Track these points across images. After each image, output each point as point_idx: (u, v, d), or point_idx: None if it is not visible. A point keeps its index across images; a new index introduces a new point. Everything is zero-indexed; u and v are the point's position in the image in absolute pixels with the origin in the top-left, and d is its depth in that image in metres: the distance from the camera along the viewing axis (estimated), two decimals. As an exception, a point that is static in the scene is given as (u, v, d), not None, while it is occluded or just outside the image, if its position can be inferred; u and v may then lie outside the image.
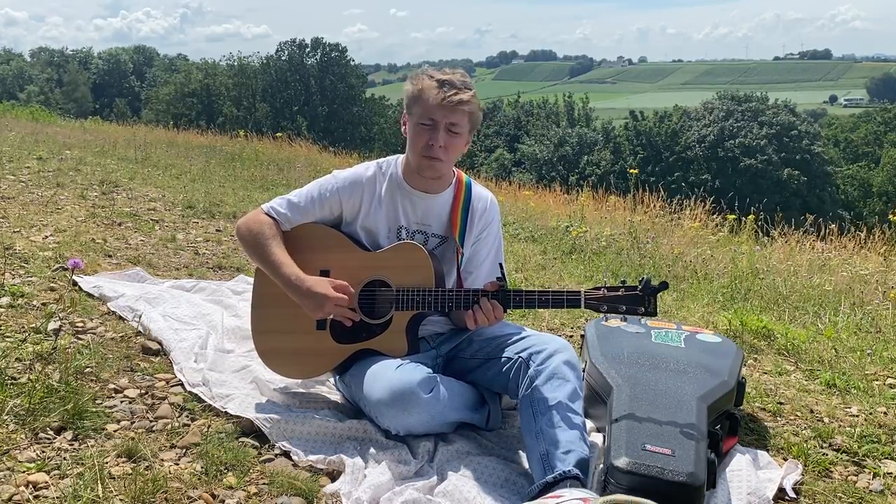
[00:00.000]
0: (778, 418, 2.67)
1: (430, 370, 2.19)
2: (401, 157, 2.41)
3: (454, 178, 2.42)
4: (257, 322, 2.40)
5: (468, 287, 2.32)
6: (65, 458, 1.92)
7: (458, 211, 2.38)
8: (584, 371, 2.47)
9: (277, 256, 2.27)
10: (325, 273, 2.30)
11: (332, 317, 2.27)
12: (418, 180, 2.34)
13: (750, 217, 6.86)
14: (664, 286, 2.09)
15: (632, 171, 8.08)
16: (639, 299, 2.08)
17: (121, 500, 1.77)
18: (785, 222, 7.61)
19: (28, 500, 1.74)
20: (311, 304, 2.22)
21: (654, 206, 8.38)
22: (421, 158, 2.26)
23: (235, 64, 45.82)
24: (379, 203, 2.35)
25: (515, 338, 2.23)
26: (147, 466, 1.93)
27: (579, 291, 2.13)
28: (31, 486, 1.79)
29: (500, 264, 2.31)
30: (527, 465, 2.07)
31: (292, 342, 2.33)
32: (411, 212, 2.36)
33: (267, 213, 2.35)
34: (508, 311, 2.24)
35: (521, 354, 2.16)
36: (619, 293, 2.09)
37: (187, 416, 2.27)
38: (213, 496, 1.84)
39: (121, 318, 3.02)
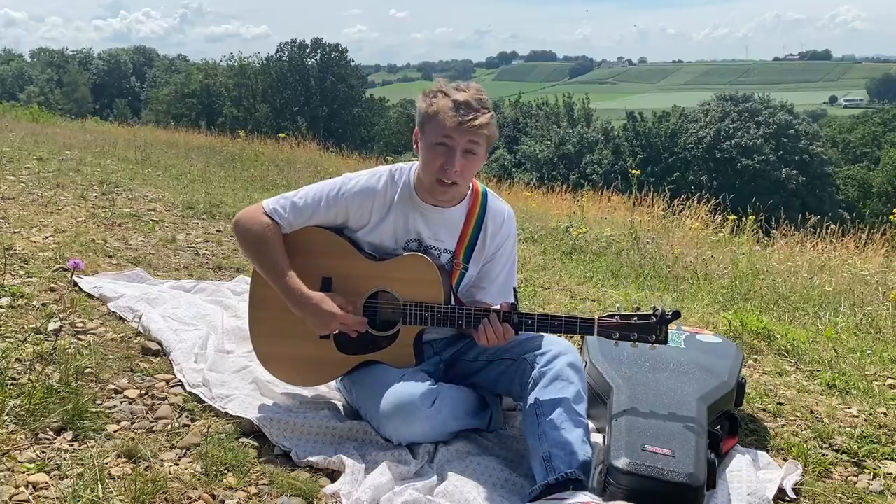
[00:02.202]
0: (778, 419, 2.67)
1: (432, 381, 2.16)
2: (414, 166, 2.30)
3: (469, 190, 2.32)
4: (256, 325, 2.36)
5: (478, 301, 2.29)
6: (65, 459, 1.92)
7: (471, 226, 2.30)
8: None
9: (281, 266, 2.20)
10: (326, 280, 2.25)
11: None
12: (430, 196, 2.24)
13: (750, 218, 6.87)
14: (676, 315, 2.08)
15: (634, 171, 8.08)
16: (651, 328, 2.07)
17: (121, 500, 1.77)
18: (786, 222, 7.62)
19: (28, 501, 1.74)
20: (317, 322, 2.18)
21: (656, 206, 8.39)
22: (435, 182, 2.17)
23: (235, 64, 45.87)
24: (388, 213, 2.26)
25: (519, 339, 2.20)
26: (147, 467, 1.93)
27: (593, 319, 2.10)
28: (31, 486, 1.79)
29: (514, 288, 2.24)
30: (527, 466, 2.07)
31: (294, 349, 2.29)
32: (423, 226, 2.27)
33: (268, 215, 2.26)
34: (519, 333, 2.18)
35: (524, 356, 2.15)
36: (632, 321, 2.08)
37: (187, 417, 2.27)
38: (213, 496, 1.85)
39: (121, 318, 3.02)
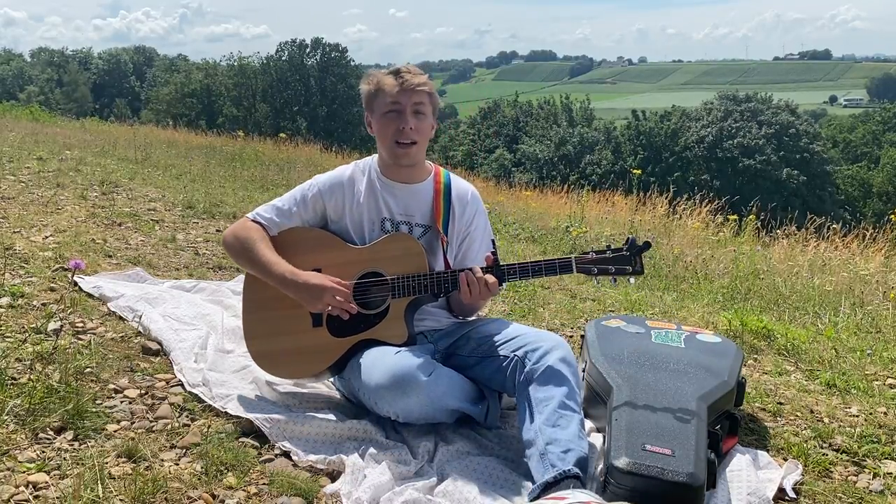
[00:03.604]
0: (778, 418, 2.67)
1: (428, 356, 2.20)
2: (376, 155, 2.46)
3: (432, 170, 2.47)
4: (251, 327, 2.40)
5: None
6: (65, 459, 1.92)
7: (441, 200, 2.41)
8: (584, 371, 2.47)
9: (268, 257, 2.30)
10: (316, 271, 2.31)
11: (328, 311, 2.27)
12: (395, 172, 2.39)
13: (751, 217, 6.87)
14: (647, 245, 2.19)
15: (635, 171, 8.09)
16: (626, 259, 2.18)
17: (121, 500, 1.77)
18: (788, 222, 7.63)
19: (28, 501, 1.74)
20: (310, 296, 2.24)
21: (658, 206, 8.39)
22: (395, 147, 2.31)
23: (235, 64, 45.80)
24: (361, 199, 2.39)
25: (512, 335, 2.24)
26: (147, 466, 1.93)
27: (570, 258, 2.20)
28: (31, 486, 1.79)
29: (493, 241, 2.33)
30: (525, 464, 2.07)
31: (290, 343, 2.33)
32: (393, 203, 2.39)
33: (253, 220, 2.40)
34: (504, 285, 2.28)
35: (516, 352, 2.17)
36: (607, 255, 2.18)
37: (187, 417, 2.27)
38: (213, 496, 1.85)
39: (121, 318, 3.02)
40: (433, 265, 2.36)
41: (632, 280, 2.21)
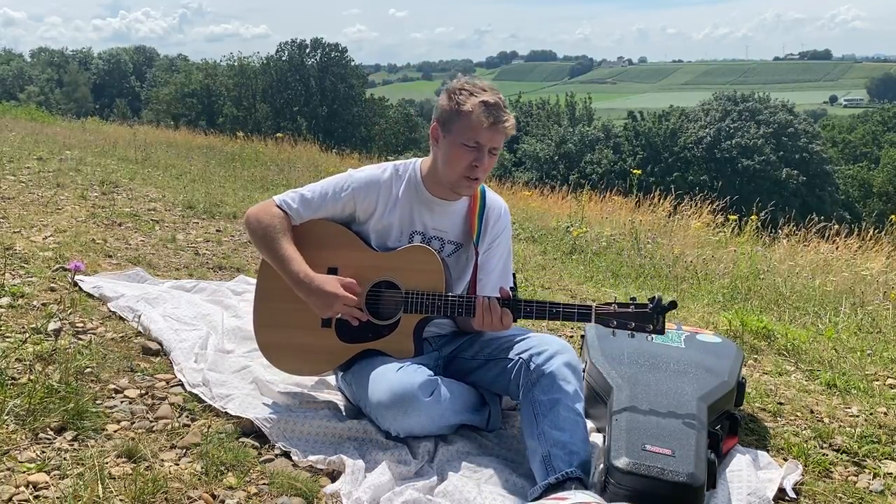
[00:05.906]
0: (778, 418, 2.67)
1: (431, 372, 2.18)
2: (419, 162, 2.38)
3: None
4: (261, 315, 2.38)
5: (478, 294, 2.31)
6: (65, 459, 1.92)
7: (476, 217, 2.36)
8: (584, 371, 2.47)
9: (287, 252, 2.25)
10: (332, 271, 2.29)
11: (339, 315, 2.26)
12: (441, 190, 2.32)
13: (752, 217, 6.88)
14: (673, 305, 2.10)
15: (635, 171, 8.10)
16: (648, 317, 2.09)
17: (121, 500, 1.77)
18: (789, 222, 7.63)
19: (28, 501, 1.74)
20: (320, 302, 2.21)
21: (660, 206, 8.40)
22: (461, 178, 2.23)
23: (235, 64, 45.78)
24: (394, 205, 2.32)
25: (516, 339, 2.23)
26: (147, 467, 1.93)
27: (590, 306, 2.13)
28: (31, 486, 1.79)
29: (514, 274, 2.30)
30: (527, 466, 2.07)
31: (296, 338, 2.32)
32: (428, 218, 2.34)
33: (279, 206, 2.32)
34: (518, 320, 2.22)
35: (521, 356, 2.16)
36: (629, 310, 2.10)
37: (187, 417, 2.27)
38: (214, 496, 1.84)
39: (121, 318, 3.02)
40: (458, 282, 2.34)
41: (650, 337, 2.17)
